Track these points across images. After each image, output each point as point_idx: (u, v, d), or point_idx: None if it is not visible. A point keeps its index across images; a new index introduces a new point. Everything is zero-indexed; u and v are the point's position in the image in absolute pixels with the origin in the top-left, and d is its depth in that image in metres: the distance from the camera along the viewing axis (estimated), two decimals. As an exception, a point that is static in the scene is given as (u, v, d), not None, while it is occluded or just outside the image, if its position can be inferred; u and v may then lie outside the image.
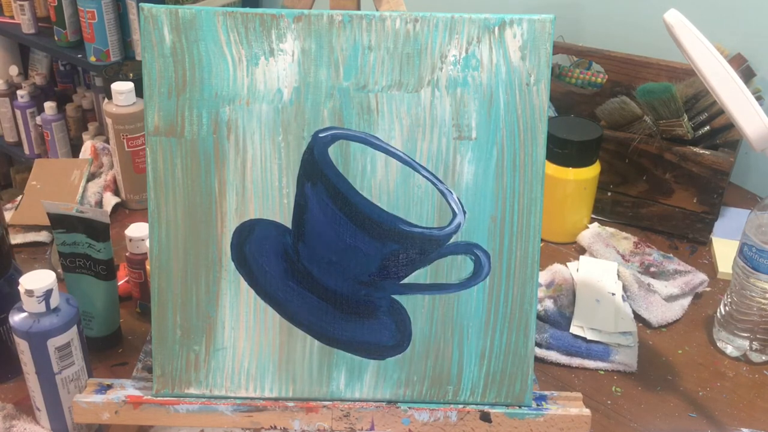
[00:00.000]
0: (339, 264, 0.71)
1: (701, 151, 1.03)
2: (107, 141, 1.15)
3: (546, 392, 0.74)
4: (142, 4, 0.69)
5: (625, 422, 0.80)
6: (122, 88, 1.07)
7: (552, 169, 1.04)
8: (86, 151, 1.20)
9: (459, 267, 0.71)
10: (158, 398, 0.71)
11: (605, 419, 0.80)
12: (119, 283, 0.89)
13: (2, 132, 2.48)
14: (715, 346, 0.91)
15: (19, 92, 2.34)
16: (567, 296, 0.93)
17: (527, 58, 0.70)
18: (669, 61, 1.16)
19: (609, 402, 0.82)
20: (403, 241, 0.70)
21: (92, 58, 2.01)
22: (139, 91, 1.05)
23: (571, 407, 0.72)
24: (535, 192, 0.71)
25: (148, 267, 0.86)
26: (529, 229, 0.71)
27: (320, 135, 0.71)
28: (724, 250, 1.06)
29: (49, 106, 2.27)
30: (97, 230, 0.79)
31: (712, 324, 0.93)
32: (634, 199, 1.11)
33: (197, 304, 0.72)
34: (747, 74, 1.17)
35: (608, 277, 0.96)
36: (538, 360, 0.86)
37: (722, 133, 1.08)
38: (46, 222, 0.84)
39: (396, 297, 0.72)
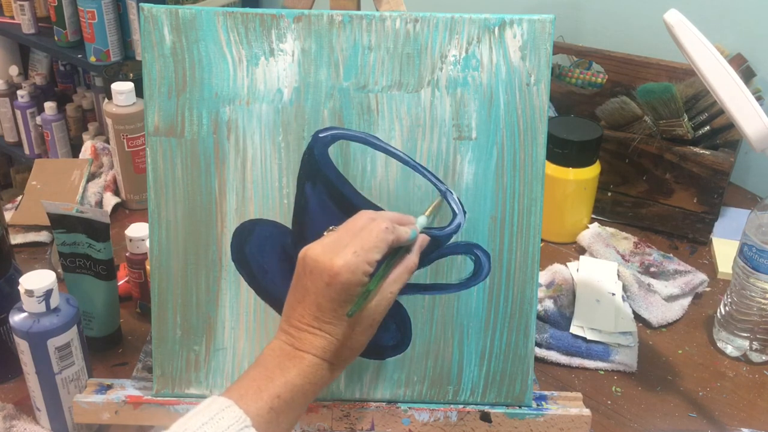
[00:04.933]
0: (339, 264, 0.71)
1: (701, 151, 1.03)
2: (107, 141, 1.15)
3: (546, 392, 0.74)
4: (142, 4, 0.69)
5: (625, 422, 0.80)
6: (122, 88, 1.07)
7: (552, 169, 1.04)
8: (86, 151, 1.20)
9: (459, 267, 0.71)
10: (158, 398, 0.71)
11: (605, 419, 0.80)
12: (119, 283, 0.89)
13: (2, 132, 2.48)
14: (715, 346, 0.91)
15: (19, 92, 2.34)
16: (567, 296, 0.92)
17: (527, 58, 0.70)
18: (669, 61, 1.16)
19: (609, 402, 0.82)
20: (403, 241, 0.70)
21: (92, 58, 2.01)
22: (139, 91, 1.06)
23: (571, 407, 0.72)
24: (535, 192, 0.71)
25: (148, 267, 0.86)
26: (529, 229, 0.71)
27: (320, 135, 0.71)
28: (724, 250, 1.06)
29: (49, 106, 2.27)
30: (97, 230, 0.79)
31: (712, 324, 0.93)
32: (634, 199, 1.11)
33: (197, 304, 0.72)
34: (747, 74, 1.17)
35: (608, 277, 0.96)
36: (538, 360, 0.86)
37: (722, 133, 1.08)
38: (46, 222, 0.84)
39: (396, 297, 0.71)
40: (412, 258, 0.64)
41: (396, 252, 0.63)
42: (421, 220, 0.68)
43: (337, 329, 0.60)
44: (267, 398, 0.58)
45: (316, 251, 0.60)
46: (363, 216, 0.63)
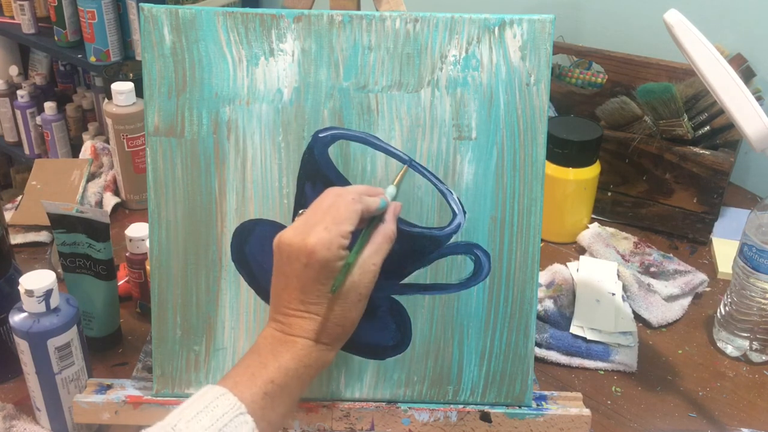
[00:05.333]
0: (339, 264, 0.71)
1: (701, 151, 1.03)
2: (107, 141, 1.15)
3: (546, 392, 0.74)
4: (142, 4, 0.69)
5: (625, 422, 0.80)
6: (122, 88, 1.07)
7: (552, 169, 1.04)
8: (86, 151, 1.20)
9: (459, 267, 0.71)
10: (158, 398, 0.71)
11: (605, 419, 0.80)
12: (119, 283, 0.89)
13: (2, 132, 2.48)
14: (715, 346, 0.91)
15: (19, 92, 2.34)
16: (567, 296, 0.92)
17: (527, 58, 0.70)
18: (669, 61, 1.16)
19: (609, 402, 0.82)
20: (403, 241, 0.70)
21: (92, 58, 2.01)
22: (139, 91, 1.06)
23: (571, 407, 0.72)
24: (535, 192, 0.71)
25: (148, 267, 0.86)
26: (529, 229, 0.71)
27: (320, 135, 0.71)
28: (724, 250, 1.06)
29: (49, 106, 2.27)
30: (97, 230, 0.79)
31: (712, 324, 0.93)
32: (634, 199, 1.11)
33: (197, 304, 0.72)
34: (747, 74, 1.17)
35: (608, 277, 0.96)
36: (538, 360, 0.86)
37: (722, 133, 1.08)
38: (46, 222, 0.84)
39: (396, 297, 0.72)
40: (389, 226, 0.64)
41: (370, 223, 0.64)
42: (390, 190, 0.68)
43: (323, 308, 0.60)
44: (261, 384, 0.58)
45: (288, 235, 0.60)
46: (329, 193, 0.63)
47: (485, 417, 0.71)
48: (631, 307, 0.93)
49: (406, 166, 0.70)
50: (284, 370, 0.59)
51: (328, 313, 0.61)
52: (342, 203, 0.61)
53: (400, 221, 0.70)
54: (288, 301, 0.61)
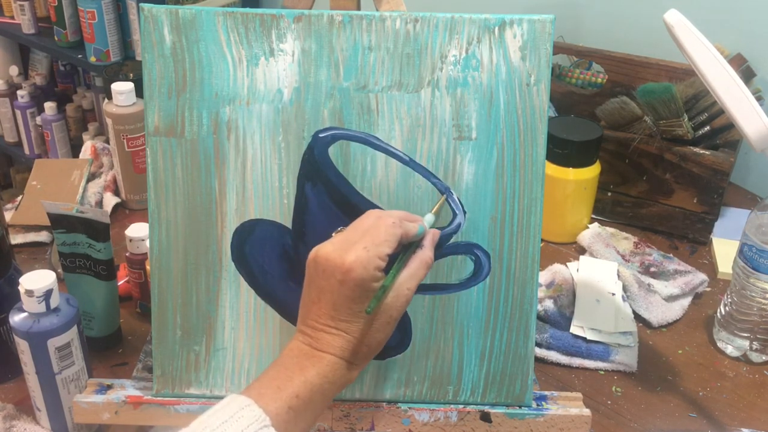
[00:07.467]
0: (339, 264, 0.71)
1: (701, 151, 1.03)
2: (107, 141, 1.15)
3: (546, 392, 0.74)
4: (142, 4, 0.69)
5: (625, 422, 0.80)
6: (122, 88, 1.07)
7: (552, 169, 1.04)
8: (86, 151, 1.20)
9: (459, 267, 0.71)
10: (158, 398, 0.71)
11: (605, 419, 0.80)
12: (119, 283, 0.89)
13: (2, 132, 2.48)
14: (715, 346, 0.91)
15: (19, 92, 2.34)
16: (567, 296, 0.92)
17: (527, 59, 0.70)
18: (669, 61, 1.16)
19: (609, 402, 0.82)
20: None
21: (92, 58, 2.01)
22: (139, 91, 1.06)
23: (571, 407, 0.72)
24: (535, 192, 0.71)
25: (148, 267, 0.86)
26: (529, 229, 0.71)
27: (320, 135, 0.71)
28: (724, 250, 1.06)
29: (49, 107, 2.27)
30: (97, 230, 0.79)
31: (712, 324, 0.93)
32: (634, 199, 1.11)
33: (197, 304, 0.72)
34: (747, 74, 1.17)
35: (608, 277, 0.96)
36: (538, 360, 0.86)
37: (722, 133, 1.08)
38: (46, 222, 0.84)
39: (396, 297, 0.71)
40: (427, 253, 0.65)
41: (408, 248, 0.64)
42: (428, 218, 0.68)
43: (353, 327, 0.60)
44: (286, 397, 0.58)
45: (326, 250, 0.60)
46: (371, 215, 0.64)
47: (485, 417, 0.71)
48: (631, 307, 0.93)
49: (444, 196, 0.70)
50: (309, 385, 0.59)
51: (357, 332, 0.60)
52: (382, 226, 0.61)
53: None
54: (318, 315, 0.61)
